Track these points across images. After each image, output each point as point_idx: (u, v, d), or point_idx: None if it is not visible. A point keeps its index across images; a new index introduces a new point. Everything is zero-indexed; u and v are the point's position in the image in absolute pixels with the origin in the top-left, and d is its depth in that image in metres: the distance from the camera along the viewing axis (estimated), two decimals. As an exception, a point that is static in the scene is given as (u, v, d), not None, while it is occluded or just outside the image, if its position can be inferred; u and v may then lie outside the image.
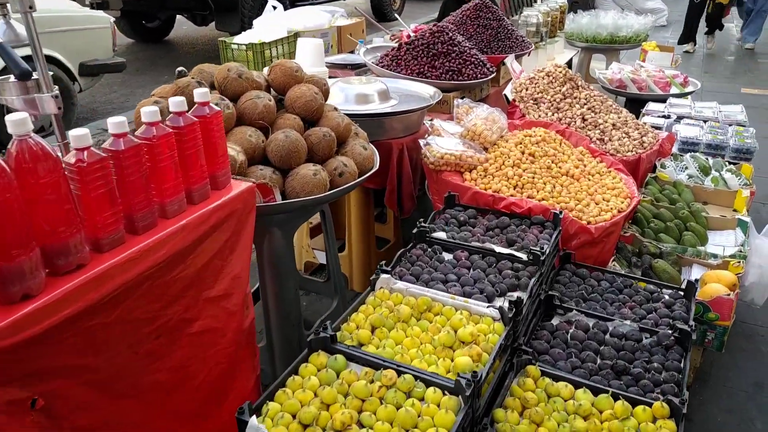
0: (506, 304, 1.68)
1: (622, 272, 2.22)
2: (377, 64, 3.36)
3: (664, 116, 3.86)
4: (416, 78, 3.19)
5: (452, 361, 1.51)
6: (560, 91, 3.29)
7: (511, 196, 2.41)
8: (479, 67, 3.39)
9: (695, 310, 2.13)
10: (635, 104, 4.48)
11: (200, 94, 1.48)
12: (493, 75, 3.46)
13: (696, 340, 2.20)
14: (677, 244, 2.51)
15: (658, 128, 3.63)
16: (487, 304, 1.72)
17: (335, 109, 2.24)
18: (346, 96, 2.79)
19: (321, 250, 3.24)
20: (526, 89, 3.34)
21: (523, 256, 1.98)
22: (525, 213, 2.29)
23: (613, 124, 3.18)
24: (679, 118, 3.88)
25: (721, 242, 2.64)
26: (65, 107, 5.03)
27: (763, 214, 4.00)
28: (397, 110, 2.69)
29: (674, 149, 3.53)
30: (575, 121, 3.16)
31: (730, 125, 3.75)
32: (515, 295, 1.84)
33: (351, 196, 2.92)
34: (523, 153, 2.61)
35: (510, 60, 3.62)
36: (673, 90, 4.46)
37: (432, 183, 2.63)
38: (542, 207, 2.28)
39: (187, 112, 1.43)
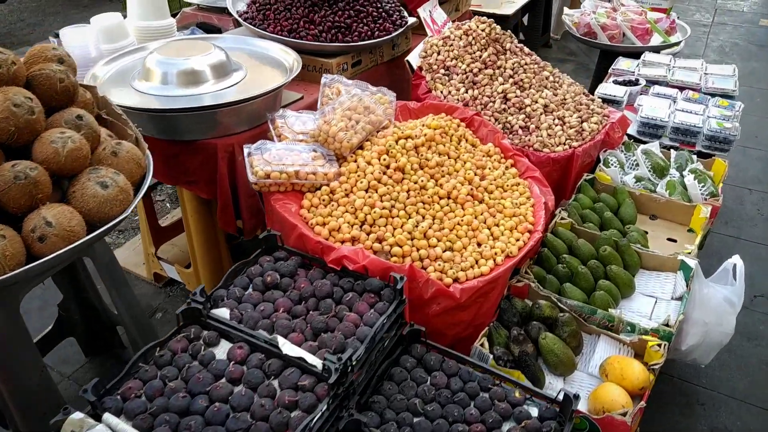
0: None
1: (487, 362, 1.58)
2: (241, 16, 2.55)
3: (630, 82, 3.03)
4: (286, 38, 2.39)
5: None
6: (480, 57, 2.47)
7: (353, 239, 1.72)
8: (379, 21, 2.56)
9: (579, 425, 1.52)
10: (612, 57, 3.59)
11: None
12: (400, 31, 2.63)
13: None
14: (587, 300, 1.84)
15: (617, 102, 2.83)
16: (212, 478, 1.11)
17: (79, 117, 1.51)
18: (165, 75, 2.05)
19: (169, 263, 2.61)
20: (438, 53, 2.52)
21: (318, 364, 1.34)
22: (360, 270, 1.62)
23: (545, 106, 2.40)
24: (651, 83, 3.06)
25: (654, 290, 1.96)
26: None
27: (746, 205, 3.26)
28: (216, 103, 1.94)
29: (634, 130, 2.75)
30: (494, 102, 2.38)
31: (712, 96, 2.93)
32: (280, 442, 1.23)
33: (186, 204, 2.25)
34: (387, 167, 1.88)
35: (428, 8, 2.75)
36: (656, 39, 3.55)
37: (267, 208, 1.93)
38: (383, 265, 1.60)
39: None
